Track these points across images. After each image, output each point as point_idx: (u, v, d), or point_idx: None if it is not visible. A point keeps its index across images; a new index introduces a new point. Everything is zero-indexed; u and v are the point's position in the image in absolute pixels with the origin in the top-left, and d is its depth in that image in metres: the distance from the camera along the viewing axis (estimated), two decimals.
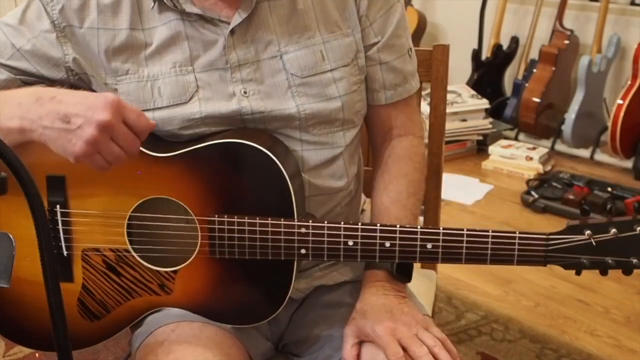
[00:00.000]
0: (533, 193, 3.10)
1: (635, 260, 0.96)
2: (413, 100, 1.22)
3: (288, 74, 1.08)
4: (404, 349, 1.00)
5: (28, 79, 1.10)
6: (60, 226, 1.06)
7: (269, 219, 1.01)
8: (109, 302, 1.09)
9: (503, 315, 2.29)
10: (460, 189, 3.24)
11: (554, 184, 3.15)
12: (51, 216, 1.05)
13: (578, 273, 1.00)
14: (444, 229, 1.01)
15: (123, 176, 1.03)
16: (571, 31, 3.53)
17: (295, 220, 1.01)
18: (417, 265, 1.10)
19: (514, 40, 3.87)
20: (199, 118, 1.06)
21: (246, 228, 1.01)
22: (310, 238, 1.01)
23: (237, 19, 1.05)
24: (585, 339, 2.17)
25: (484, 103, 3.67)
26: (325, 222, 1.02)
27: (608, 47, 3.45)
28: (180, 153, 1.03)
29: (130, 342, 1.15)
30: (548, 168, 3.44)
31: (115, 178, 1.04)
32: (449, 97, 3.42)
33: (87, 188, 1.05)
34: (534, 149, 3.50)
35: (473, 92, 3.73)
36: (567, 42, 3.52)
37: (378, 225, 1.02)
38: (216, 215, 1.02)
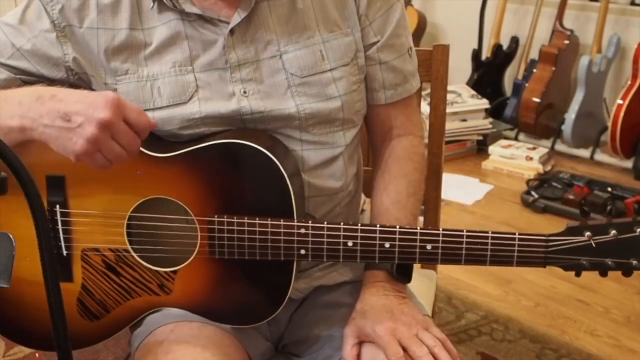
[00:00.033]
0: (533, 193, 3.10)
1: (635, 262, 0.96)
2: (413, 100, 1.22)
3: (288, 74, 1.08)
4: (404, 349, 1.00)
5: (28, 78, 1.10)
6: (59, 226, 1.06)
7: (269, 219, 1.01)
8: (109, 302, 1.09)
9: (503, 315, 2.29)
10: (460, 189, 3.24)
11: (554, 184, 3.15)
12: (51, 216, 1.05)
13: (578, 274, 1.00)
14: (443, 230, 1.01)
15: (123, 176, 1.03)
16: (571, 31, 3.53)
17: (295, 221, 1.01)
18: (417, 265, 1.10)
19: (514, 40, 3.87)
20: (199, 118, 1.06)
21: (246, 228, 1.01)
22: (309, 239, 1.01)
23: (236, 18, 1.05)
24: (585, 339, 2.17)
25: (484, 103, 3.67)
26: (325, 222, 1.02)
27: (608, 47, 3.45)
28: (180, 153, 1.03)
29: (130, 342, 1.15)
30: (548, 168, 3.44)
31: (115, 178, 1.04)
32: (449, 97, 3.42)
33: (87, 188, 1.05)
34: (534, 149, 3.50)
35: (473, 92, 3.73)
36: (567, 42, 3.52)
37: (377, 226, 1.02)
38: (216, 216, 1.02)
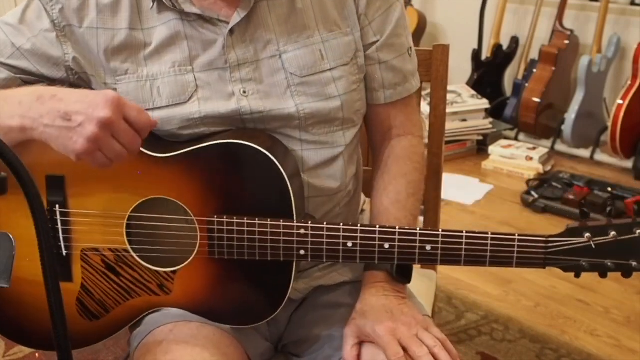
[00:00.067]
0: (533, 193, 3.10)
1: (634, 263, 0.96)
2: (413, 100, 1.22)
3: (287, 74, 1.08)
4: (404, 349, 1.00)
5: (28, 78, 1.10)
6: (59, 226, 1.06)
7: (268, 219, 1.01)
8: (108, 302, 1.09)
9: (503, 315, 2.29)
10: (460, 189, 3.24)
11: (554, 184, 3.15)
12: (50, 216, 1.05)
13: (577, 275, 1.00)
14: (443, 231, 1.01)
15: (122, 176, 1.03)
16: (571, 31, 3.53)
17: (295, 222, 1.01)
18: (417, 265, 1.10)
19: (514, 40, 3.87)
20: (198, 118, 1.06)
21: (245, 229, 1.01)
22: (309, 239, 1.01)
23: (236, 18, 1.05)
24: (585, 339, 2.17)
25: (484, 103, 3.67)
26: (325, 223, 1.02)
27: (608, 47, 3.45)
28: (180, 153, 1.03)
29: (129, 342, 1.15)
30: (548, 168, 3.44)
31: (115, 178, 1.04)
32: (449, 97, 3.42)
33: (87, 188, 1.05)
34: (534, 149, 3.50)
35: (473, 92, 3.72)
36: (567, 42, 3.52)
37: (377, 226, 1.02)
38: (215, 216, 1.02)
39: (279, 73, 1.08)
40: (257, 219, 1.01)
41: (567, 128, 3.49)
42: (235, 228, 1.02)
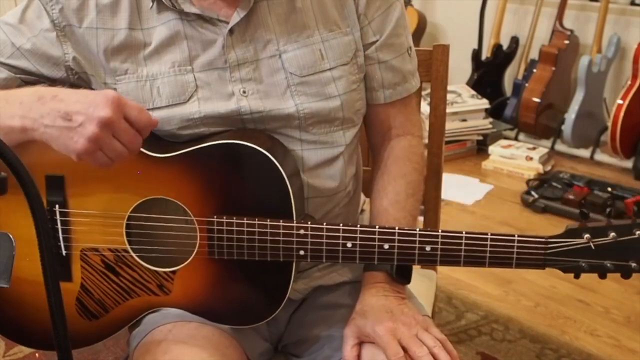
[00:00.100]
0: (533, 193, 3.10)
1: (634, 264, 0.96)
2: (412, 100, 1.22)
3: (287, 73, 1.08)
4: (404, 349, 1.00)
5: (28, 78, 1.10)
6: (59, 226, 1.06)
7: (268, 220, 1.01)
8: (108, 302, 1.09)
9: (503, 315, 2.29)
10: (460, 189, 3.24)
11: (554, 184, 3.15)
12: (50, 216, 1.05)
13: (577, 276, 1.00)
14: (442, 231, 1.01)
15: (122, 176, 1.03)
16: (571, 31, 3.53)
17: (294, 222, 1.01)
18: (417, 265, 1.10)
19: (514, 40, 3.87)
20: (198, 118, 1.06)
21: (245, 229, 1.01)
22: (309, 240, 1.01)
23: (235, 18, 1.05)
24: (585, 339, 2.17)
25: (484, 103, 3.67)
26: (324, 223, 1.02)
27: (608, 47, 3.45)
28: (180, 154, 1.03)
29: (129, 342, 1.15)
30: (548, 168, 3.44)
31: (115, 178, 1.04)
32: (449, 97, 3.42)
33: (86, 188, 1.05)
34: (534, 149, 3.50)
35: (473, 92, 3.72)
36: (567, 42, 3.52)
37: (377, 227, 1.02)
38: (215, 216, 1.02)
39: (279, 73, 1.08)
40: (256, 220, 1.01)
41: (567, 128, 3.49)
42: (234, 228, 1.02)
